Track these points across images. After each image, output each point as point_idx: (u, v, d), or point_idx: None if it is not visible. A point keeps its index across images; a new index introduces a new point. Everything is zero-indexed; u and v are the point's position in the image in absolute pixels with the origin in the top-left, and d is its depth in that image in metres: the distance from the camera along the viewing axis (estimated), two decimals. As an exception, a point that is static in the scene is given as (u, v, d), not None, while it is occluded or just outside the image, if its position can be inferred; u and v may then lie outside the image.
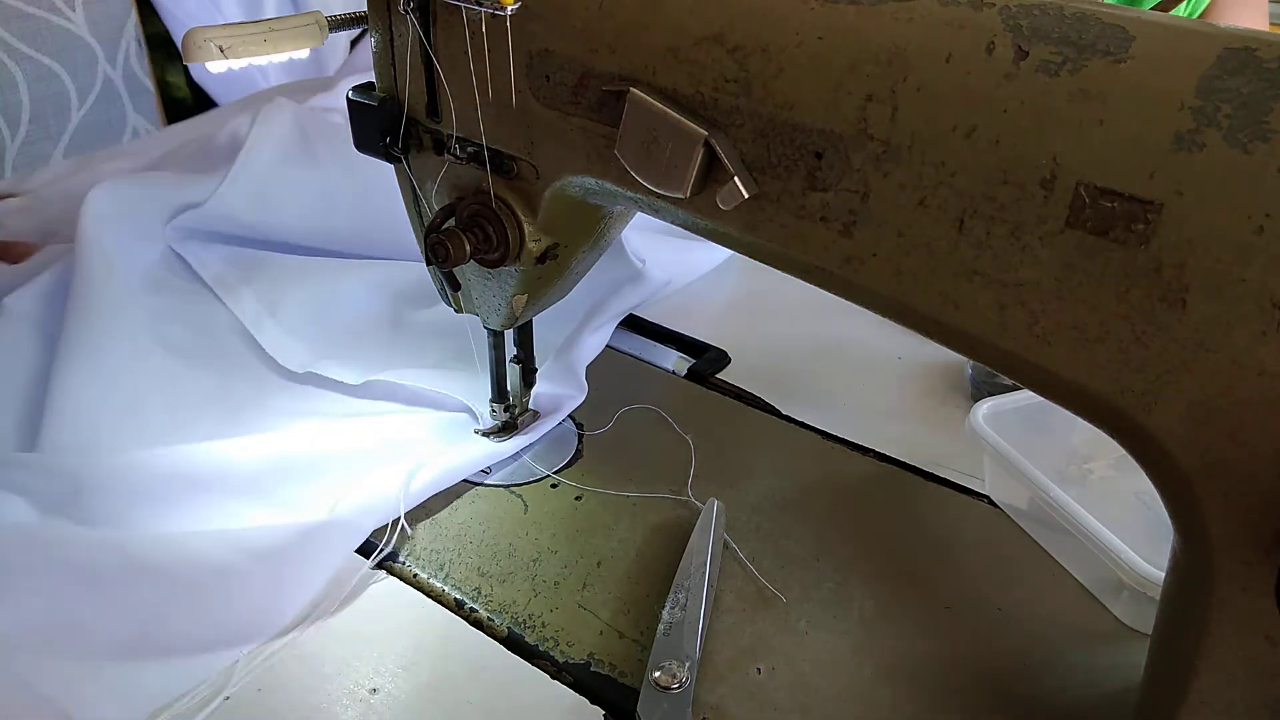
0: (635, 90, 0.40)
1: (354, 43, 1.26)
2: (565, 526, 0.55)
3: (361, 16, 0.49)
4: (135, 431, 0.60)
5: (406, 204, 0.55)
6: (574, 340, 0.67)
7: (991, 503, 0.58)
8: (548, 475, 0.59)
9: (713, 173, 0.39)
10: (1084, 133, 0.31)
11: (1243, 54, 0.29)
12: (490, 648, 0.48)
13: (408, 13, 0.45)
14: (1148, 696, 0.40)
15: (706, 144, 0.38)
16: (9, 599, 0.46)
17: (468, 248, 0.49)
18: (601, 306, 0.71)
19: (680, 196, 0.40)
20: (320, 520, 0.52)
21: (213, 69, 0.45)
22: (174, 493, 0.54)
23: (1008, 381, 0.65)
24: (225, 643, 0.47)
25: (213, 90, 1.38)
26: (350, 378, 0.65)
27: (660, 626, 0.47)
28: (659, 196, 0.41)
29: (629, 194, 0.43)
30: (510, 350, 0.59)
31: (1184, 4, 1.03)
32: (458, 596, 0.51)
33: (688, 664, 0.45)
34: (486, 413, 0.61)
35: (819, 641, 0.49)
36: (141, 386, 0.63)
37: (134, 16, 1.33)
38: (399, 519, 0.54)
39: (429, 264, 0.50)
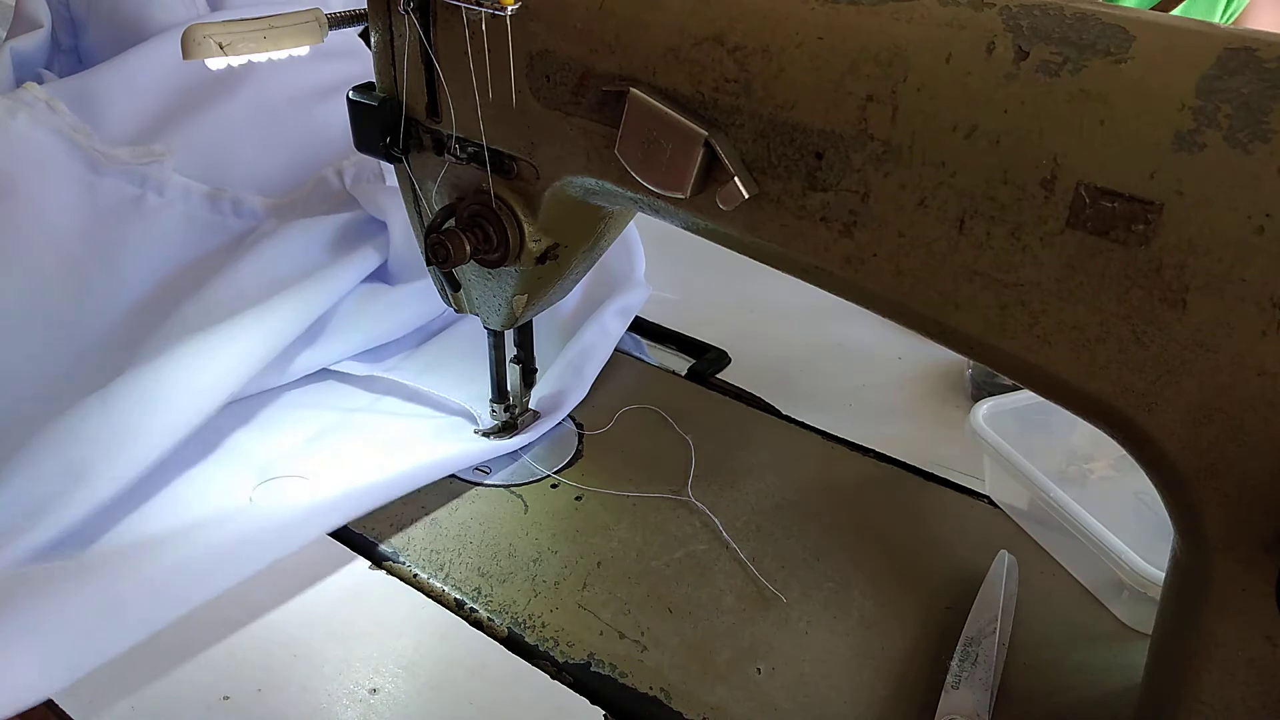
0: (635, 90, 0.40)
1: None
2: (565, 526, 0.55)
3: (361, 14, 0.49)
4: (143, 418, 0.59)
5: (406, 204, 0.55)
6: (577, 337, 0.67)
7: (991, 503, 0.58)
8: (548, 475, 0.59)
9: (713, 173, 0.39)
10: (1084, 133, 0.31)
11: (1243, 54, 0.29)
12: (490, 648, 0.48)
13: (407, 12, 0.45)
14: (1148, 696, 0.40)
15: (706, 144, 0.38)
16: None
17: (468, 248, 0.49)
18: (602, 301, 0.71)
19: (680, 197, 0.40)
20: (301, 505, 0.51)
21: (212, 65, 0.44)
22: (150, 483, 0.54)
23: (1008, 381, 0.65)
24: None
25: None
26: (356, 369, 0.65)
27: (948, 678, 0.46)
28: (659, 196, 0.41)
29: (629, 194, 0.43)
30: (510, 350, 0.59)
31: (1223, 4, 1.02)
32: (458, 596, 0.51)
33: None
34: (486, 413, 0.61)
35: (819, 641, 0.49)
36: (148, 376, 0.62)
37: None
38: None
39: (429, 264, 0.50)
